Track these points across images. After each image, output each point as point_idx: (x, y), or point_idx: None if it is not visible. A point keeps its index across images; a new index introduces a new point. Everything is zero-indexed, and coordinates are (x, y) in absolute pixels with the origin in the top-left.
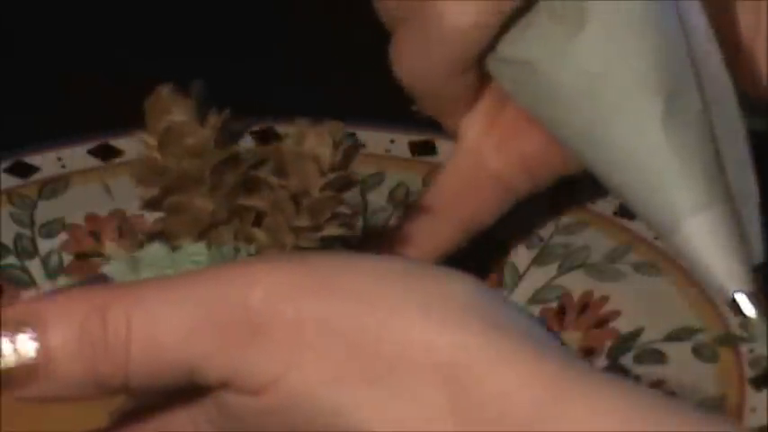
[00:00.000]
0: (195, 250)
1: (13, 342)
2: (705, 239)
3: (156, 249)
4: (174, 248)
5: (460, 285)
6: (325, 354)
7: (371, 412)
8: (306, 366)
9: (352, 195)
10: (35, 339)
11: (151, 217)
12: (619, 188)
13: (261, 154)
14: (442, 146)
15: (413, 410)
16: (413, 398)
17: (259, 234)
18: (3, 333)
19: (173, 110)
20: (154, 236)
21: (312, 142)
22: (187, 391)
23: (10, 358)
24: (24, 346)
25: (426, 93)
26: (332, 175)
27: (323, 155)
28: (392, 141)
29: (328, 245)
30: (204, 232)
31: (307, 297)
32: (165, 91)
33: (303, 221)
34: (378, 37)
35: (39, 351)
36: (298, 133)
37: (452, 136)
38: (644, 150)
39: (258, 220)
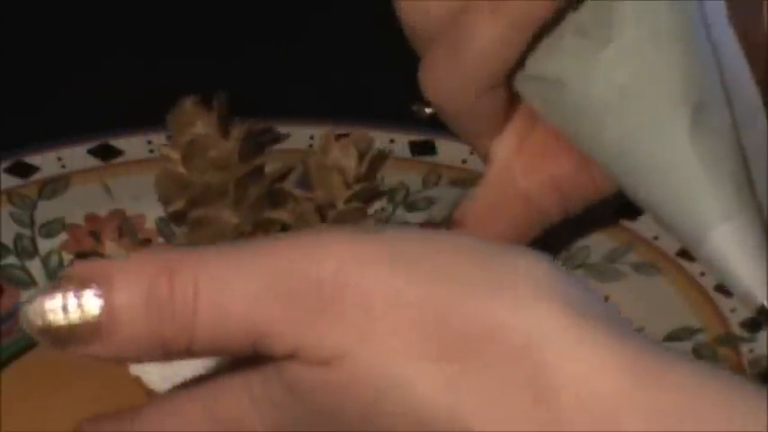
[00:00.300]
0: None
1: (78, 298)
2: (732, 247)
3: None
4: None
5: (536, 264)
6: (396, 328)
7: (441, 388)
8: (376, 340)
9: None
10: (100, 297)
11: (152, 217)
12: (646, 200)
13: (285, 166)
14: (442, 146)
15: (486, 388)
16: (487, 376)
17: None
18: (68, 288)
19: (196, 122)
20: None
21: (337, 154)
22: (249, 358)
23: (74, 314)
24: (89, 303)
25: (456, 113)
26: (357, 187)
27: (348, 166)
28: (392, 141)
29: None
30: None
31: (379, 270)
32: (188, 103)
33: None
34: (378, 37)
35: (103, 309)
36: (323, 144)
37: (484, 160)
38: (670, 160)
39: (283, 233)
